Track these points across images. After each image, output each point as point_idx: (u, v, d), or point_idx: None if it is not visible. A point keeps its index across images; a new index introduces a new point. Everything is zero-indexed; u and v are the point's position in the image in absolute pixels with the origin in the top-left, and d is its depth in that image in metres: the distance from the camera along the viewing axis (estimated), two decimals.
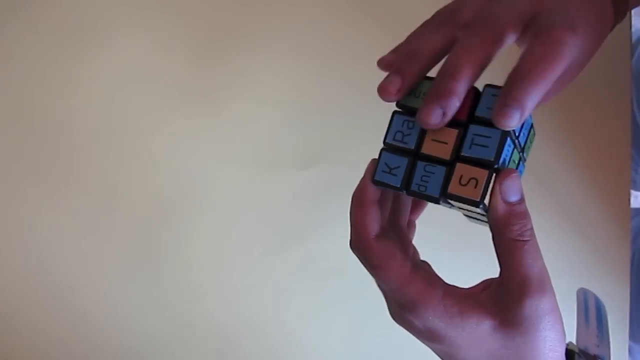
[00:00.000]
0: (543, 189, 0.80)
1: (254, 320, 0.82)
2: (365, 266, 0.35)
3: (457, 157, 0.33)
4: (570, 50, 0.32)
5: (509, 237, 0.31)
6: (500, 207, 0.31)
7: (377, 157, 0.36)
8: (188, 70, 0.87)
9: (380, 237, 0.35)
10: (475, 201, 0.31)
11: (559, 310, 0.32)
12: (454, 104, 0.32)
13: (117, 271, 0.83)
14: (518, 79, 0.31)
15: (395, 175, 0.34)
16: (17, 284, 0.83)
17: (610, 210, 0.80)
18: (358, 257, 0.35)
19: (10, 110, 0.87)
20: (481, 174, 0.31)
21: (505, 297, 0.32)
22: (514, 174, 0.32)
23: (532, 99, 0.30)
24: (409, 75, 0.34)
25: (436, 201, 0.33)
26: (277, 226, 0.84)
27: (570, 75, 0.38)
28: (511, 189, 0.31)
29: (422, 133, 0.34)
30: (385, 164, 0.34)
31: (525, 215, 0.32)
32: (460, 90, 0.32)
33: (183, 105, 0.86)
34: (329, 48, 0.86)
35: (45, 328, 0.83)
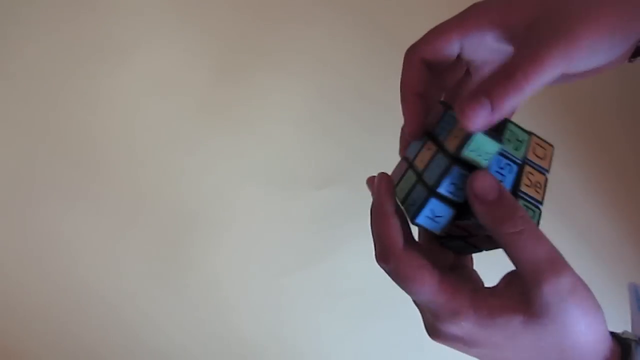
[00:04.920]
0: (561, 213, 0.79)
1: (274, 335, 0.82)
2: (394, 279, 0.34)
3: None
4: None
5: (503, 232, 0.31)
6: (481, 211, 0.31)
7: (384, 171, 0.36)
8: (208, 88, 0.88)
9: (407, 247, 0.34)
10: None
11: (584, 285, 0.31)
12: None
13: (143, 281, 0.84)
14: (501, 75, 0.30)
15: (437, 223, 0.33)
16: (46, 290, 0.84)
17: (629, 233, 0.79)
18: (386, 270, 0.35)
19: (35, 125, 0.88)
20: None
21: (525, 289, 0.31)
22: (480, 174, 0.31)
23: (510, 100, 0.30)
24: (408, 116, 0.37)
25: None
26: (295, 245, 0.84)
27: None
28: (484, 189, 0.31)
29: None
30: (432, 210, 0.33)
31: (509, 206, 0.31)
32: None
33: (204, 122, 0.87)
34: (348, 68, 0.87)
35: (73, 334, 0.83)
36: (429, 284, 0.33)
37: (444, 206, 0.33)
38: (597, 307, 0.32)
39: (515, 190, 0.33)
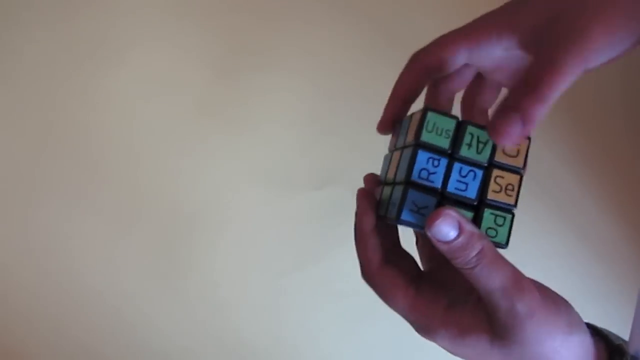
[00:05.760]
0: (561, 213, 0.79)
1: (273, 335, 0.82)
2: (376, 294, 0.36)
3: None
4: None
5: (457, 266, 0.31)
6: (440, 247, 0.31)
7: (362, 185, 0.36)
8: (206, 88, 0.88)
9: (383, 266, 0.35)
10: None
11: (547, 308, 0.32)
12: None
13: (142, 281, 0.84)
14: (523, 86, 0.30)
15: (423, 215, 0.32)
16: (46, 290, 0.84)
17: (629, 234, 0.79)
18: (369, 286, 0.36)
19: (33, 125, 0.88)
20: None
21: (488, 311, 0.32)
22: (438, 219, 0.30)
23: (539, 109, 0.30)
24: (385, 111, 0.38)
25: None
26: (294, 245, 0.84)
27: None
28: (442, 232, 0.30)
29: (447, 173, 0.33)
30: (413, 202, 0.32)
31: (466, 246, 0.30)
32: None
33: (202, 122, 0.88)
34: (348, 68, 0.87)
35: (73, 333, 0.83)
36: (402, 302, 0.34)
37: (423, 195, 0.32)
38: (564, 330, 0.32)
39: (482, 198, 0.33)
